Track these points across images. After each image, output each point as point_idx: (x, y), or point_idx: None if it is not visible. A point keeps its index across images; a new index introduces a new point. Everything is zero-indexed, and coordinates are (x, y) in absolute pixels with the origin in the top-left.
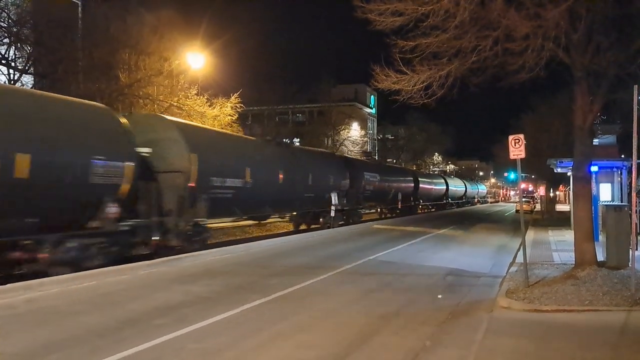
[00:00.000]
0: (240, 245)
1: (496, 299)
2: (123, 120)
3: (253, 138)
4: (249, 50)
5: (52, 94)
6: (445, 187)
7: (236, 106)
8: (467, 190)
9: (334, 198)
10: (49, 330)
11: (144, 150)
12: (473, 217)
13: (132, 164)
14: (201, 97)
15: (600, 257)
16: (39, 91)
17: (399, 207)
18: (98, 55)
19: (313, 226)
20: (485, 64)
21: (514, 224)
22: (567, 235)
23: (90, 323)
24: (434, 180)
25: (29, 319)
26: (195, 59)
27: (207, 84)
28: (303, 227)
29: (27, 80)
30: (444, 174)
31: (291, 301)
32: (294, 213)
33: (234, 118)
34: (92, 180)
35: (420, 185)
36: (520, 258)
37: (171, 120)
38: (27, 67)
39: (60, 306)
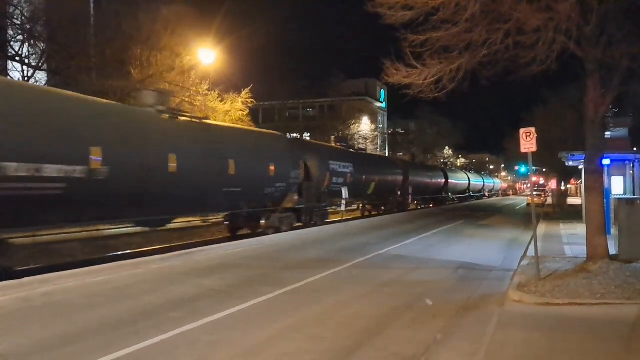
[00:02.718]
0: (253, 239)
1: (507, 292)
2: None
3: (352, 150)
4: (260, 45)
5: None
6: (444, 180)
7: (247, 101)
8: (473, 183)
9: (345, 192)
10: (65, 323)
11: (307, 162)
12: (483, 210)
13: (301, 170)
14: (212, 92)
15: (613, 250)
16: (247, 128)
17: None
18: (110, 52)
19: (373, 213)
20: (496, 58)
21: (525, 217)
22: (579, 229)
23: (105, 316)
24: (429, 173)
25: (45, 312)
26: (207, 55)
27: (218, 80)
28: (242, 232)
29: (41, 77)
30: (444, 166)
31: (303, 294)
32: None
33: (245, 113)
34: (290, 180)
35: (411, 178)
36: (531, 251)
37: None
38: (40, 64)
39: (76, 299)
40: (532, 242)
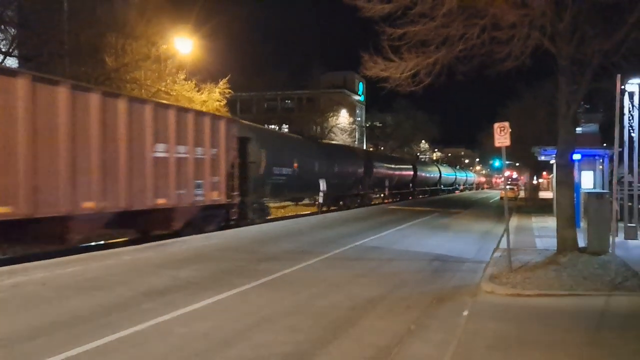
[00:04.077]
0: (229, 231)
1: (480, 283)
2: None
3: (298, 136)
4: (238, 35)
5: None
6: (412, 172)
7: (224, 92)
8: (444, 176)
9: (322, 184)
10: (35, 315)
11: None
12: (456, 204)
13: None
14: (189, 82)
15: (582, 243)
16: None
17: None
18: (84, 39)
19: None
20: (472, 52)
21: (498, 211)
22: (550, 222)
23: (76, 308)
24: (396, 165)
25: (15, 304)
26: (184, 44)
27: (195, 69)
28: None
29: (11, 63)
30: (417, 159)
31: (279, 286)
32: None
33: (222, 104)
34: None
35: (375, 170)
36: (503, 244)
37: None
38: (11, 50)
39: (46, 291)
40: (505, 235)
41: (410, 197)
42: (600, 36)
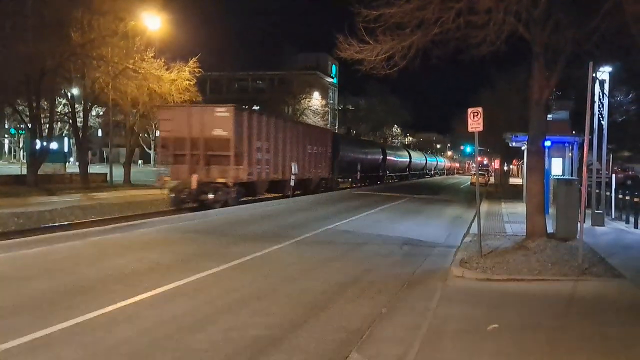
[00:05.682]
0: (198, 212)
1: (450, 268)
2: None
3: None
4: (210, 14)
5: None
6: (381, 156)
7: (194, 71)
8: (414, 162)
9: (294, 167)
10: None
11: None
12: (428, 189)
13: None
14: (158, 60)
15: (550, 229)
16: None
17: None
18: (49, 13)
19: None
20: (447, 36)
21: (469, 196)
22: (519, 208)
23: (40, 289)
24: (365, 150)
25: None
26: (152, 20)
27: (165, 47)
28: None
29: None
30: (387, 143)
31: (249, 269)
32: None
33: (192, 83)
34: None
35: (342, 153)
36: (474, 229)
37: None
38: None
39: (9, 271)
40: (475, 220)
41: (378, 182)
42: (573, 24)
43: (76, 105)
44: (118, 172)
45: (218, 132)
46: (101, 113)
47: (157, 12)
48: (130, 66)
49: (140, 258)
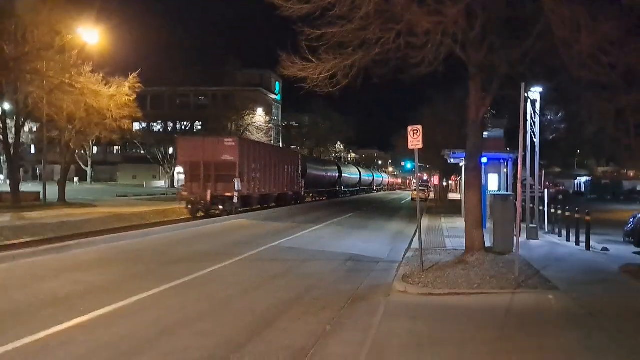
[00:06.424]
0: (137, 231)
1: (393, 283)
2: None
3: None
4: (151, 29)
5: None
6: (338, 173)
7: (134, 86)
8: (364, 178)
9: (237, 184)
10: None
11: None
12: (372, 204)
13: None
14: (96, 75)
15: (488, 243)
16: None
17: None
18: None
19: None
20: (388, 56)
21: (410, 211)
22: (458, 223)
23: None
24: (325, 167)
25: None
26: (90, 34)
27: (104, 62)
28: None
29: None
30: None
31: (191, 289)
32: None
33: (131, 98)
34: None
35: (309, 172)
36: (415, 244)
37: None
38: None
39: None
40: (417, 235)
41: (335, 197)
42: (506, 47)
43: (8, 121)
44: (52, 190)
45: (226, 157)
46: (34, 129)
47: (95, 26)
48: (67, 81)
49: (76, 280)
